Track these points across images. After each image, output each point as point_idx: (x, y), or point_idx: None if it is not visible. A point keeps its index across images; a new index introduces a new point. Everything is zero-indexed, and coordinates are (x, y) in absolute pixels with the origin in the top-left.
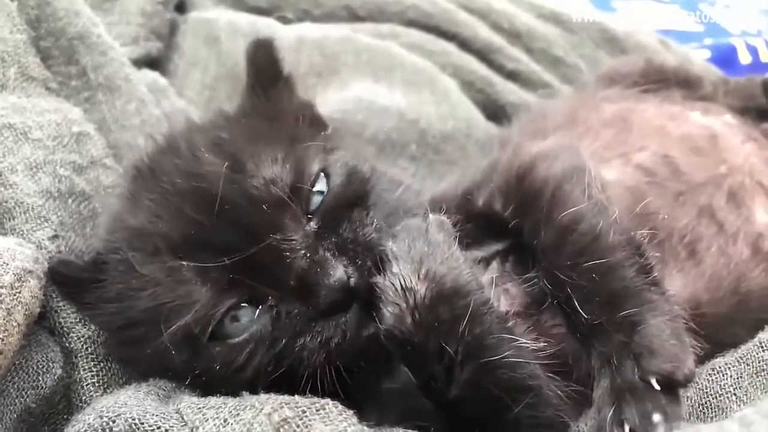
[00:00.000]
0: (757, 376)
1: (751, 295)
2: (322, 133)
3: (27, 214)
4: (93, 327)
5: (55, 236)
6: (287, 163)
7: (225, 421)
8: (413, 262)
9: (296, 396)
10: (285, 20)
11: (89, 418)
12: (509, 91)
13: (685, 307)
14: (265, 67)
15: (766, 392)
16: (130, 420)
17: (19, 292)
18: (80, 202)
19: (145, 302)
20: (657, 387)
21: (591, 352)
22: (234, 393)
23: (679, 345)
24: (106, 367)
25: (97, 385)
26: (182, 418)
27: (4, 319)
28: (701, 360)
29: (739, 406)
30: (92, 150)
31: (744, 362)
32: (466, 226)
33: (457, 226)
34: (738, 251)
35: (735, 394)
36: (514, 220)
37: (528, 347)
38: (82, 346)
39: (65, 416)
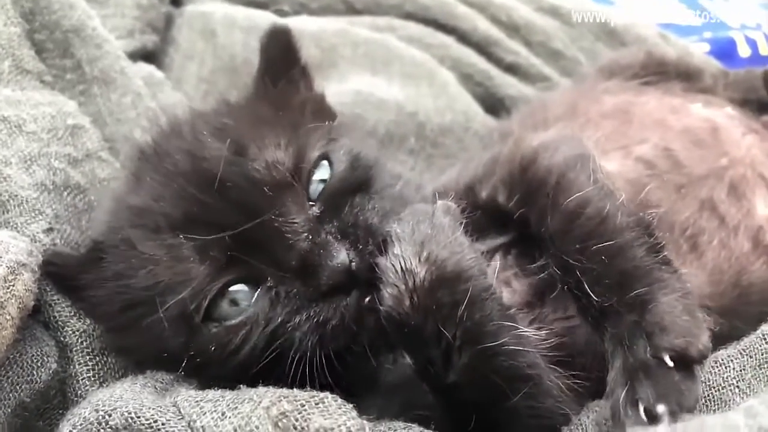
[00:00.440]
0: (760, 368)
1: (752, 288)
2: (327, 122)
3: (21, 207)
4: (88, 321)
5: (50, 229)
6: (289, 147)
7: (223, 414)
8: (415, 245)
9: (295, 389)
10: (282, 13)
11: (85, 412)
12: (508, 84)
13: None
14: (280, 55)
15: None
16: (126, 414)
17: (13, 285)
18: (75, 195)
19: (144, 280)
20: (670, 363)
21: (603, 335)
22: (227, 377)
23: (691, 320)
24: (102, 361)
25: (92, 379)
26: (179, 412)
27: None
28: None
29: (742, 398)
30: (87, 143)
31: (747, 354)
32: (473, 213)
33: (464, 213)
34: (739, 244)
35: (738, 387)
36: (519, 210)
37: (529, 336)
38: (77, 340)
39: (60, 411)
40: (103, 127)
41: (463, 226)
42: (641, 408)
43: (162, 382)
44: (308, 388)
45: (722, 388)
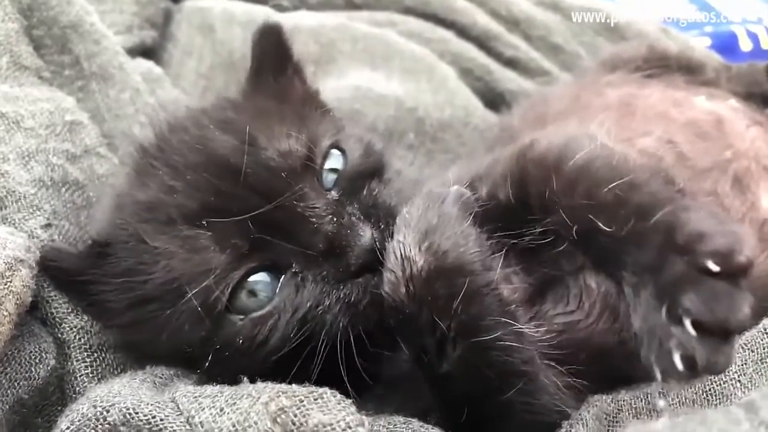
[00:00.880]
0: (762, 363)
1: (757, 282)
2: (330, 114)
3: (19, 203)
4: (86, 317)
5: (48, 225)
6: (300, 137)
7: (221, 410)
8: (419, 233)
9: (293, 385)
10: (281, 8)
11: (83, 408)
12: (508, 79)
13: None
14: (272, 52)
15: None
16: (124, 410)
17: (10, 281)
18: (74, 191)
19: (159, 275)
20: (715, 269)
21: (622, 270)
22: (252, 367)
23: (730, 225)
24: (100, 358)
25: (90, 375)
26: (177, 407)
27: None
28: None
29: (744, 392)
30: (86, 139)
31: (748, 348)
32: (488, 203)
33: (478, 202)
34: None
35: (739, 381)
36: (519, 195)
37: (527, 333)
38: (75, 336)
39: (59, 407)
40: (101, 123)
41: (473, 216)
42: (687, 322)
43: (161, 378)
44: (342, 371)
45: (723, 382)
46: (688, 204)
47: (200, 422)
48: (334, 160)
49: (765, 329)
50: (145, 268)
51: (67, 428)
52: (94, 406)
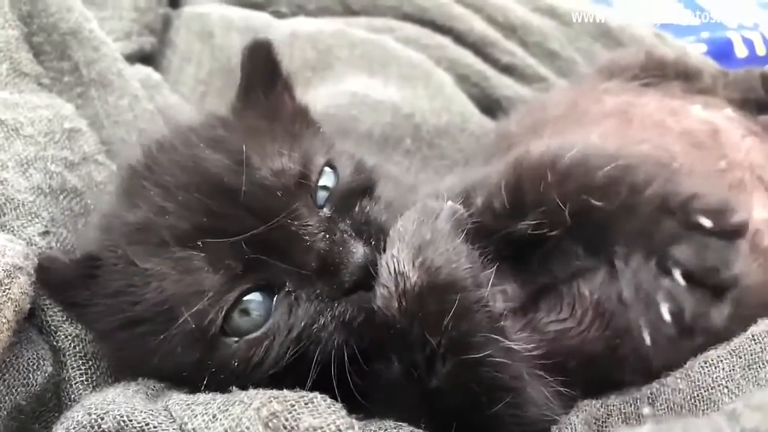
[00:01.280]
0: (749, 369)
1: (747, 291)
2: (320, 131)
3: (18, 211)
4: (80, 325)
5: (46, 232)
6: (293, 155)
7: (214, 416)
8: (412, 248)
9: (285, 390)
10: (279, 14)
11: (78, 416)
12: (504, 85)
13: None
14: (262, 68)
15: (757, 385)
16: (118, 417)
17: (9, 289)
18: (72, 198)
19: (151, 297)
20: (708, 224)
21: (615, 245)
22: (249, 384)
23: (723, 194)
24: (95, 366)
25: (86, 383)
26: (171, 415)
27: None
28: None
29: (731, 398)
30: (84, 146)
31: (736, 355)
32: (479, 221)
33: (471, 218)
34: None
35: (727, 387)
36: (514, 199)
37: (516, 349)
38: (70, 344)
39: (56, 414)
40: (100, 130)
41: (465, 233)
42: (677, 273)
43: (154, 389)
44: (335, 388)
45: (711, 389)
46: (682, 182)
47: (193, 429)
48: (326, 178)
49: (753, 336)
50: (136, 290)
51: None
52: (89, 414)
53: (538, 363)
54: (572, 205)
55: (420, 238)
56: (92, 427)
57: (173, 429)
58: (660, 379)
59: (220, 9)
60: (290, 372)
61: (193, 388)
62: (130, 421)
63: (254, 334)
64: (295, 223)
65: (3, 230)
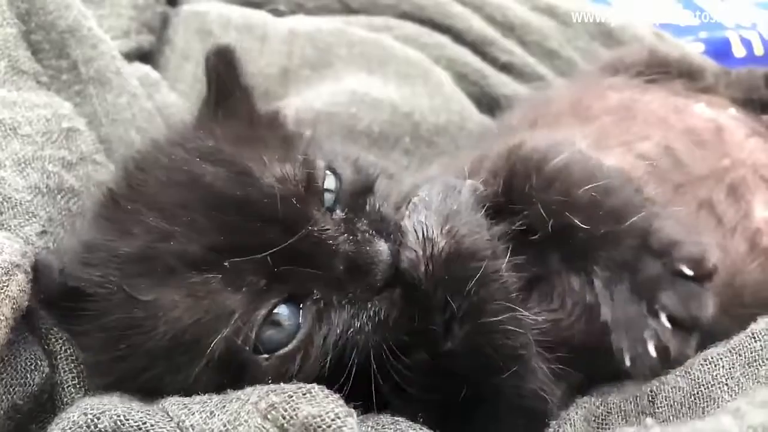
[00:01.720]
0: (749, 367)
1: (746, 290)
2: (303, 135)
3: (15, 210)
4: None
5: (44, 232)
6: (293, 162)
7: (211, 413)
8: (440, 216)
9: (281, 383)
10: (277, 13)
11: (74, 416)
12: (503, 84)
13: None
14: (228, 75)
15: (758, 382)
16: (115, 417)
17: (7, 286)
18: (69, 198)
19: (163, 332)
20: (690, 273)
21: (594, 265)
22: None
23: (697, 235)
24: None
25: (78, 386)
26: (167, 414)
27: None
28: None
29: (731, 396)
30: (82, 146)
31: (736, 353)
32: (496, 199)
33: (488, 198)
34: (735, 245)
35: (727, 385)
36: (506, 190)
37: (525, 320)
38: (61, 347)
39: (52, 415)
40: (98, 128)
41: (484, 208)
42: (663, 316)
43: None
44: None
45: (711, 386)
46: (658, 211)
47: (191, 425)
48: (329, 181)
49: (753, 334)
50: (141, 326)
51: None
52: (85, 414)
53: (538, 340)
54: (555, 220)
55: (447, 208)
56: (88, 426)
57: (171, 427)
58: (660, 377)
59: (218, 7)
60: (324, 382)
61: None
62: (127, 420)
63: (287, 348)
64: (316, 228)
65: (0, 229)
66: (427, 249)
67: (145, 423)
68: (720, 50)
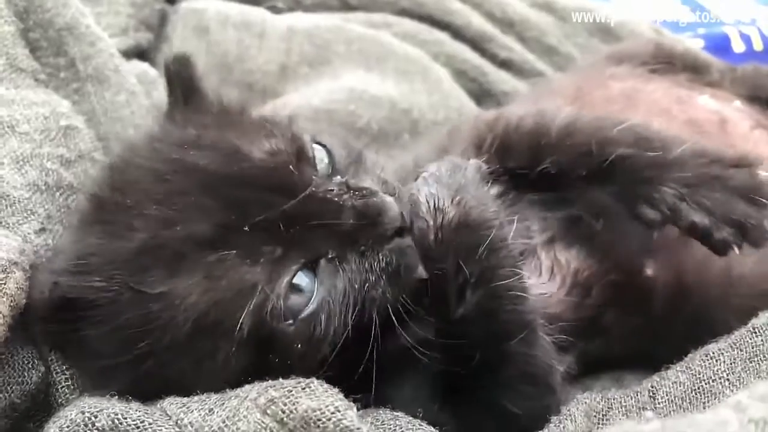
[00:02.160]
0: (750, 362)
1: (743, 281)
2: (286, 115)
3: (13, 207)
4: None
5: (42, 229)
6: (279, 137)
7: (210, 410)
8: (450, 189)
9: (280, 378)
10: (275, 10)
11: (71, 414)
12: (502, 80)
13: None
14: (187, 81)
15: (759, 377)
16: (112, 415)
17: (5, 284)
18: (68, 195)
19: (183, 319)
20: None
21: (660, 185)
22: (313, 365)
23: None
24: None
25: (72, 387)
26: (166, 413)
27: None
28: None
29: (732, 391)
30: (80, 143)
31: (737, 348)
32: (501, 178)
33: (492, 175)
34: None
35: (728, 380)
36: (502, 161)
37: (530, 287)
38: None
39: (48, 413)
40: (97, 126)
41: (489, 184)
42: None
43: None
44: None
45: (713, 381)
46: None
47: (189, 423)
48: (319, 153)
49: (753, 328)
50: (157, 321)
51: None
52: (83, 412)
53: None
54: (600, 152)
55: (456, 182)
56: (86, 425)
57: (169, 425)
58: (661, 372)
59: (216, 4)
60: (353, 344)
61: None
62: (125, 419)
63: (309, 309)
64: (320, 190)
65: None
66: (438, 218)
67: (143, 421)
68: (719, 46)
